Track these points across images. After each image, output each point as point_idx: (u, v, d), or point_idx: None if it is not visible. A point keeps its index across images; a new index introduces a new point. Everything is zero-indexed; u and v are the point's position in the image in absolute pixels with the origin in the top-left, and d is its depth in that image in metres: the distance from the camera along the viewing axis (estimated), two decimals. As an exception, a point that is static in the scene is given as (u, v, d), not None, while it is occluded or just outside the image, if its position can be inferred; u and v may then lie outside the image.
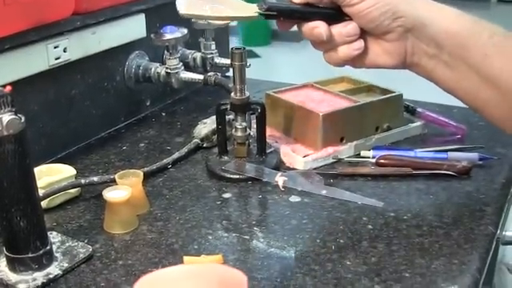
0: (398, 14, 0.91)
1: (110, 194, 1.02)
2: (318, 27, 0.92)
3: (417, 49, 0.94)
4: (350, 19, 0.93)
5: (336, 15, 0.94)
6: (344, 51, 0.94)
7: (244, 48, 1.15)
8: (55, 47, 1.22)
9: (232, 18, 1.02)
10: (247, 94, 1.18)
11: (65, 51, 1.24)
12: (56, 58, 1.23)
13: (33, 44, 1.18)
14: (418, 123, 1.39)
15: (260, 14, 0.95)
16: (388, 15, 0.91)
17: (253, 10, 0.96)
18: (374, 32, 0.94)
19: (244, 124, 1.20)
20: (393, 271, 0.89)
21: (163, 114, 1.55)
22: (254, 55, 6.16)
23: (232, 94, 1.18)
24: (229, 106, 1.19)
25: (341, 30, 0.93)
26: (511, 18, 7.48)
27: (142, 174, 1.08)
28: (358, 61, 0.97)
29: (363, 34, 0.95)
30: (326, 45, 0.95)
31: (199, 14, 0.94)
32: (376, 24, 0.92)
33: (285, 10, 0.95)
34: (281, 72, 5.74)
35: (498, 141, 1.31)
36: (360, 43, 0.94)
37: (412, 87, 1.57)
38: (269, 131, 1.29)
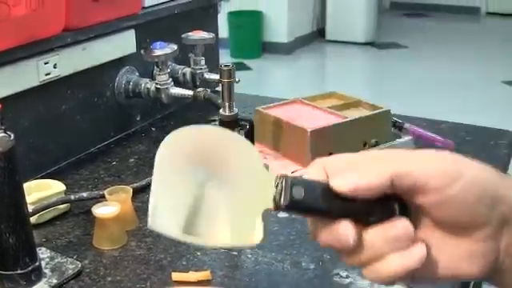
0: (498, 199, 0.62)
1: (99, 210, 1.02)
2: (345, 230, 0.61)
3: None
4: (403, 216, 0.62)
5: (381, 211, 0.63)
6: (397, 262, 0.62)
7: (233, 65, 1.17)
8: (45, 63, 1.23)
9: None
10: (236, 110, 1.19)
11: (55, 67, 1.25)
12: (46, 74, 1.24)
13: (23, 60, 1.18)
14: (406, 138, 1.40)
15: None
16: (486, 201, 0.62)
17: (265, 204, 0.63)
18: (457, 227, 0.63)
19: (233, 140, 1.21)
20: (379, 287, 0.90)
21: (153, 129, 1.56)
22: (245, 68, 6.17)
23: (221, 110, 1.19)
24: (218, 122, 1.20)
25: (387, 232, 0.61)
26: (500, 30, 7.54)
27: (131, 190, 1.09)
28: (424, 272, 0.63)
29: (429, 232, 0.64)
30: (362, 254, 0.62)
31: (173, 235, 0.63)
32: (469, 215, 0.62)
33: (314, 209, 0.63)
34: (271, 84, 5.76)
35: (486, 156, 1.32)
36: (422, 249, 0.62)
37: (401, 101, 1.59)
38: (258, 147, 1.30)
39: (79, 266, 0.97)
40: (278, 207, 0.61)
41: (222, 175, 0.61)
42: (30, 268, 0.91)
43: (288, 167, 1.27)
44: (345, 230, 0.60)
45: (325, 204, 0.61)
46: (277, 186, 0.61)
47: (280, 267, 0.97)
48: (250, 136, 1.21)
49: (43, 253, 1.00)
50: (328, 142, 1.28)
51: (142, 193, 1.20)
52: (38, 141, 1.27)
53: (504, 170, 1.33)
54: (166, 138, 0.60)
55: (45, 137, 1.29)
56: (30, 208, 1.07)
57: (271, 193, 0.61)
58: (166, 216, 0.60)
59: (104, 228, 1.03)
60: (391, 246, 0.61)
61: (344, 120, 1.32)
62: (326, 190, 0.61)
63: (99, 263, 0.99)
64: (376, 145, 1.34)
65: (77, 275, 0.96)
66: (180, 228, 0.60)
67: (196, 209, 0.61)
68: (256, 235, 0.61)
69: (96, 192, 1.13)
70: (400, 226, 0.61)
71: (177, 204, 0.61)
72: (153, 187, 0.60)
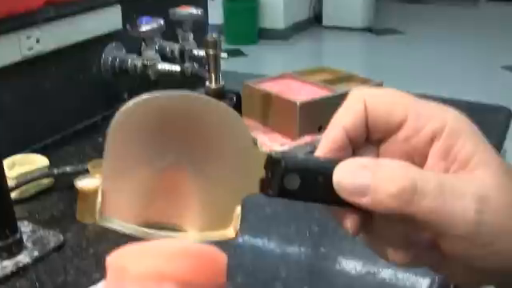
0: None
1: (82, 183, 1.00)
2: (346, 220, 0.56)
3: None
4: None
5: None
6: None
7: (219, 36, 1.14)
8: (28, 37, 1.20)
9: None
10: (222, 82, 1.17)
11: (38, 42, 1.23)
12: (29, 49, 1.21)
13: (4, 34, 1.16)
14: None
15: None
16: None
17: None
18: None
19: (219, 113, 1.19)
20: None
21: (141, 106, 1.53)
22: (241, 54, 6.15)
23: (207, 82, 1.17)
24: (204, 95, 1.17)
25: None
26: (500, 17, 7.51)
27: (115, 162, 1.07)
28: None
29: None
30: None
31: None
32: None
33: (311, 199, 0.54)
34: (268, 71, 5.72)
35: (482, 132, 1.30)
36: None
37: (398, 86, 1.57)
38: (246, 121, 1.28)
39: (61, 238, 0.95)
40: (265, 194, 0.52)
41: (197, 152, 0.51)
42: (10, 240, 0.90)
43: (277, 140, 1.24)
44: (347, 225, 0.55)
45: (326, 196, 0.52)
46: (267, 168, 0.51)
47: (266, 238, 0.95)
48: (238, 109, 1.19)
49: (25, 226, 0.98)
50: (317, 115, 1.26)
51: (127, 167, 1.18)
52: (21, 117, 1.25)
53: (500, 145, 1.31)
54: (123, 107, 0.48)
55: (29, 113, 1.27)
56: (13, 182, 1.06)
57: (259, 175, 0.52)
58: (119, 207, 0.50)
59: (87, 201, 1.01)
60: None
61: (334, 93, 1.30)
62: (329, 178, 0.51)
63: (82, 236, 0.97)
64: (367, 119, 1.32)
65: (59, 248, 0.94)
66: (139, 219, 0.50)
67: (160, 194, 0.51)
68: (232, 226, 0.53)
69: (80, 166, 1.11)
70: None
71: (135, 191, 0.50)
72: (104, 170, 0.50)
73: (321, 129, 1.26)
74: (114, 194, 0.50)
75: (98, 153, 1.24)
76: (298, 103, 1.23)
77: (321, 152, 0.54)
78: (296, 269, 0.89)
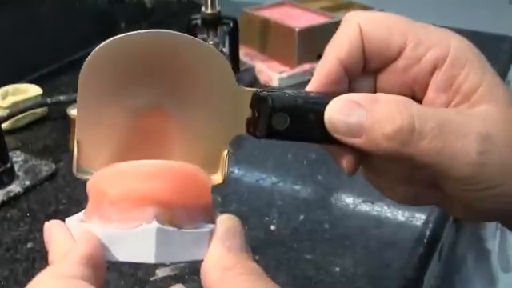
0: None
1: (74, 111, 0.98)
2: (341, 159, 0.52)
3: None
4: None
5: None
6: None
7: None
8: (19, -37, 1.17)
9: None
10: (218, 7, 1.13)
11: (29, -32, 1.19)
12: (20, -25, 1.18)
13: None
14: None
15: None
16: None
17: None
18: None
19: (216, 39, 1.16)
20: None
21: (138, 35, 1.49)
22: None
23: (202, 8, 1.13)
24: (199, 21, 1.14)
25: None
26: None
27: (108, 91, 1.05)
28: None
29: None
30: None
31: None
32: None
33: (301, 138, 0.51)
34: None
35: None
36: None
37: (398, 5, 1.52)
38: (244, 49, 1.26)
39: (53, 167, 0.94)
40: (252, 134, 0.49)
41: (176, 93, 0.48)
42: (1, 169, 0.88)
43: (275, 68, 1.22)
44: (342, 164, 0.52)
45: (317, 135, 0.49)
46: (253, 108, 0.49)
47: (263, 167, 0.93)
48: (234, 36, 1.16)
49: (17, 156, 0.96)
50: (316, 42, 1.23)
51: (122, 96, 1.16)
52: (15, 47, 1.22)
53: (504, 75, 1.28)
54: (93, 50, 0.46)
55: (23, 43, 1.24)
56: (6, 112, 1.04)
57: (245, 115, 0.49)
58: (97, 157, 0.48)
59: (80, 130, 0.98)
60: None
61: (333, 20, 1.27)
62: (321, 116, 0.48)
63: (75, 165, 0.95)
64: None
65: (51, 177, 0.92)
66: None
67: (140, 140, 0.49)
68: (219, 171, 0.50)
69: (74, 95, 1.09)
70: None
71: (113, 139, 0.48)
72: (77, 120, 0.47)
73: (320, 57, 1.22)
74: (90, 144, 0.48)
75: (94, 83, 1.22)
76: (296, 30, 1.20)
77: (313, 86, 0.51)
78: (292, 197, 0.88)
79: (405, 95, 0.51)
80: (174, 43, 0.47)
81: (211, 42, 1.16)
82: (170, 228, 0.43)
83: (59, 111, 1.09)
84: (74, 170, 0.48)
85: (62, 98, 1.09)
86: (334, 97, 0.48)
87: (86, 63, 0.46)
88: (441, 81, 0.50)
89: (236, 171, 0.92)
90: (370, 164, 0.52)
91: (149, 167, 0.46)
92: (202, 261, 0.42)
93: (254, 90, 0.48)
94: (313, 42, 1.22)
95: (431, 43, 0.50)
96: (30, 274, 0.74)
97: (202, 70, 0.48)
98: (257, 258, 0.73)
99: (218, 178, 0.50)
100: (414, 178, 0.52)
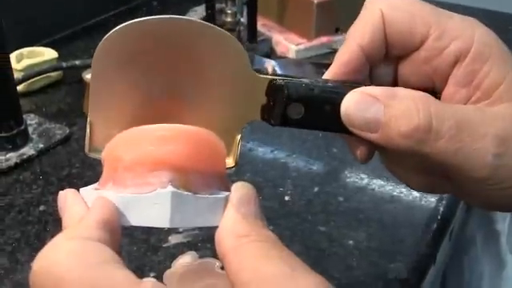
0: None
1: (89, 75, 0.97)
2: (355, 148, 0.52)
3: None
4: None
5: None
6: None
7: None
8: None
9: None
10: (237, -23, 1.12)
11: None
12: None
13: None
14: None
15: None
16: None
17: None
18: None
19: (234, 9, 1.15)
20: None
21: (154, 3, 1.49)
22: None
23: (220, -23, 1.12)
24: (217, -10, 1.13)
25: None
26: None
27: (124, 56, 1.04)
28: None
29: None
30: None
31: None
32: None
33: (315, 127, 0.51)
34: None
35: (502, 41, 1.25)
36: None
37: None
38: (262, 21, 1.24)
39: (67, 131, 0.93)
40: (266, 121, 0.50)
41: (190, 79, 0.49)
42: (14, 131, 0.88)
43: (293, 40, 1.21)
44: (356, 152, 0.52)
45: (333, 125, 0.48)
46: (268, 96, 0.49)
47: (275, 137, 0.93)
48: (253, 6, 1.15)
49: (31, 119, 0.96)
50: (335, 15, 1.21)
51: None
52: (30, 10, 1.21)
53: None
54: (107, 34, 0.46)
55: (39, 6, 1.23)
56: (21, 75, 1.03)
57: (260, 102, 0.49)
58: (109, 138, 0.47)
59: (94, 94, 0.98)
60: None
61: (353, -7, 1.25)
62: (337, 107, 0.47)
63: (89, 130, 0.95)
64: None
65: (64, 140, 0.92)
66: None
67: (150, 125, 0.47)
68: (232, 155, 0.51)
69: (89, 60, 1.08)
70: None
71: (125, 121, 0.48)
72: (90, 102, 0.48)
73: (338, 30, 1.22)
74: (102, 125, 0.48)
75: (109, 49, 1.21)
76: (315, 2, 1.19)
77: (333, 73, 0.50)
78: (307, 169, 0.87)
79: (425, 86, 0.51)
80: (189, 29, 0.47)
81: (229, 12, 1.15)
82: (185, 192, 0.42)
83: (74, 75, 1.09)
84: (86, 150, 0.48)
85: (77, 62, 1.08)
86: (352, 87, 0.47)
87: (99, 47, 0.46)
88: (461, 75, 0.49)
89: (251, 142, 0.92)
90: (386, 153, 0.51)
91: (164, 131, 0.45)
92: (216, 227, 0.42)
93: (271, 77, 0.48)
94: (331, 15, 1.21)
95: (454, 35, 0.49)
96: (42, 236, 0.74)
97: (217, 56, 0.48)
98: (271, 228, 0.72)
99: (230, 162, 0.50)
100: (430, 170, 0.51)
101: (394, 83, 0.53)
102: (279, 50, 1.20)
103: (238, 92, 0.49)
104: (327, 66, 1.10)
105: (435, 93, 0.51)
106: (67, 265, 0.37)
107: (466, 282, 1.53)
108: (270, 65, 1.09)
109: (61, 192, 0.44)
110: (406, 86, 0.51)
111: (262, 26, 1.24)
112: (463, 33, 0.49)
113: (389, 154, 0.51)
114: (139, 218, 0.42)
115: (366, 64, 0.50)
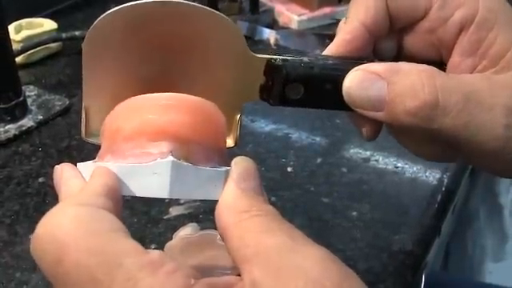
0: None
1: (89, 47, 0.96)
2: (360, 126, 0.51)
3: None
4: None
5: None
6: None
7: None
8: None
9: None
10: None
11: None
12: None
13: None
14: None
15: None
16: None
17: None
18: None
19: (236, -21, 1.13)
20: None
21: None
22: None
23: None
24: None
25: None
26: None
27: (124, 27, 1.02)
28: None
29: None
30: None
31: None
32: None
33: (316, 106, 0.51)
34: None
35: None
36: None
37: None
38: (264, -11, 1.23)
39: (67, 102, 0.92)
40: (265, 100, 0.49)
41: (186, 61, 0.48)
42: (13, 103, 0.86)
43: (295, 11, 1.19)
44: (361, 129, 0.51)
45: (334, 104, 0.48)
46: (267, 75, 0.48)
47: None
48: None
49: (30, 90, 0.94)
50: (338, -15, 1.20)
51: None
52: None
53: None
54: (99, 18, 0.45)
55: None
56: (19, 46, 1.02)
57: (259, 82, 0.49)
58: (103, 122, 0.46)
59: (94, 65, 0.97)
60: None
61: (357, -38, 1.23)
62: (338, 85, 0.46)
63: (89, 101, 0.94)
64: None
65: (64, 112, 0.91)
66: None
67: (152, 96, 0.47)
68: (232, 135, 0.50)
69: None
70: None
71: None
72: (84, 87, 0.48)
73: (341, 1, 1.20)
74: (98, 109, 0.47)
75: (109, 20, 1.20)
76: (318, -28, 1.17)
77: (335, 51, 0.49)
78: (309, 139, 0.86)
79: (430, 56, 0.50)
80: (184, 12, 0.46)
81: (231, -18, 1.13)
82: (185, 163, 0.42)
83: (74, 47, 1.08)
84: (83, 135, 0.47)
85: (77, 33, 1.07)
86: (354, 64, 0.46)
87: (89, 31, 0.45)
88: (467, 44, 0.48)
89: (253, 113, 0.90)
90: (394, 128, 0.50)
91: (166, 100, 0.44)
92: (216, 201, 0.41)
93: (268, 57, 0.47)
94: (334, -15, 1.19)
95: (458, 2, 0.48)
96: (41, 208, 0.73)
97: (213, 38, 0.47)
98: (273, 199, 0.72)
99: (230, 142, 0.49)
100: (440, 142, 0.50)
101: (398, 56, 0.52)
102: (281, 20, 1.18)
103: (236, 72, 0.48)
104: (330, 36, 1.09)
105: (441, 63, 0.50)
106: (73, 230, 0.36)
107: (469, 255, 1.53)
108: (273, 36, 1.07)
109: (57, 166, 0.43)
110: (411, 58, 0.50)
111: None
112: (467, 0, 0.47)
113: (397, 129, 0.50)
114: (139, 188, 0.42)
115: (370, 40, 0.49)
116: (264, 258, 0.35)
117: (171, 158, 0.41)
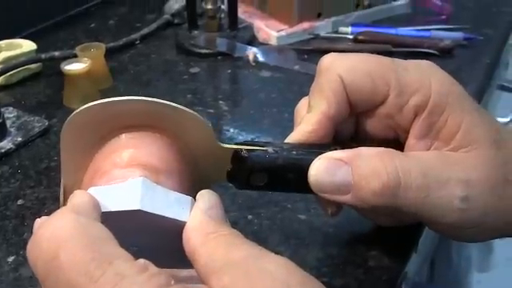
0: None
1: (68, 67, 0.96)
2: (325, 206, 0.57)
3: None
4: None
5: None
6: None
7: None
8: None
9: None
10: (217, -37, 1.11)
11: None
12: None
13: None
14: (403, 1, 1.32)
15: None
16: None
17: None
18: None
19: (215, -3, 1.14)
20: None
21: (136, -9, 1.47)
22: None
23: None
24: (197, -23, 1.12)
25: None
26: None
27: (103, 46, 1.03)
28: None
29: None
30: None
31: None
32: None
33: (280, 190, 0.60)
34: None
35: (485, 22, 1.25)
36: None
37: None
38: (243, 8, 1.24)
39: (46, 124, 0.92)
40: (231, 183, 0.55)
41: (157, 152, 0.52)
42: (-8, 125, 0.87)
43: (274, 27, 1.19)
44: (326, 209, 0.57)
45: (297, 189, 0.54)
46: (233, 163, 0.53)
47: (258, 124, 0.92)
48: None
49: (10, 112, 0.95)
50: (317, 0, 1.20)
51: (119, 53, 1.14)
52: (8, 2, 1.20)
53: (505, 40, 1.25)
54: (73, 113, 0.51)
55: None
56: (-1, 67, 1.02)
57: (225, 167, 0.54)
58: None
59: (74, 85, 0.97)
60: None
61: (335, -23, 1.24)
62: (302, 173, 0.51)
63: (68, 122, 0.94)
64: (370, 6, 1.27)
65: (43, 133, 0.91)
66: None
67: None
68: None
69: (68, 51, 1.07)
70: None
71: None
72: (62, 168, 0.53)
73: (320, 15, 1.21)
74: (74, 185, 0.52)
75: (89, 38, 1.21)
76: (296, -12, 1.18)
77: (298, 139, 0.54)
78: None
79: (389, 136, 0.55)
80: (154, 110, 0.50)
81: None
82: (155, 184, 0.46)
83: (53, 67, 1.08)
84: (61, 205, 0.52)
85: (56, 53, 1.07)
86: (317, 154, 0.51)
87: (65, 123, 0.51)
88: (420, 128, 0.52)
89: (231, 130, 0.91)
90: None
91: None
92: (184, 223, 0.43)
93: (235, 147, 0.52)
94: (312, 1, 1.20)
95: (413, 89, 0.52)
96: (20, 231, 0.73)
97: (182, 132, 0.51)
98: (250, 217, 0.73)
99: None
100: (401, 215, 0.56)
101: (356, 135, 0.57)
102: (261, 36, 1.19)
103: (205, 161, 0.53)
104: (309, 51, 1.10)
105: (399, 142, 0.55)
106: (72, 230, 0.38)
107: (454, 266, 1.53)
108: (251, 52, 1.08)
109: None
110: (370, 138, 0.56)
111: (243, 12, 1.23)
112: (421, 85, 0.52)
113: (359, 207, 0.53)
114: (113, 203, 0.44)
115: (332, 128, 0.54)
116: (232, 266, 0.37)
117: (142, 177, 0.45)
